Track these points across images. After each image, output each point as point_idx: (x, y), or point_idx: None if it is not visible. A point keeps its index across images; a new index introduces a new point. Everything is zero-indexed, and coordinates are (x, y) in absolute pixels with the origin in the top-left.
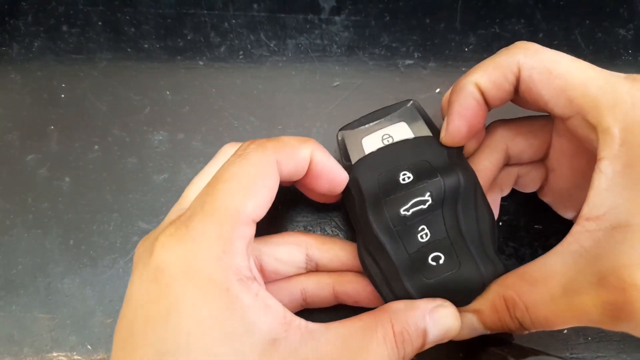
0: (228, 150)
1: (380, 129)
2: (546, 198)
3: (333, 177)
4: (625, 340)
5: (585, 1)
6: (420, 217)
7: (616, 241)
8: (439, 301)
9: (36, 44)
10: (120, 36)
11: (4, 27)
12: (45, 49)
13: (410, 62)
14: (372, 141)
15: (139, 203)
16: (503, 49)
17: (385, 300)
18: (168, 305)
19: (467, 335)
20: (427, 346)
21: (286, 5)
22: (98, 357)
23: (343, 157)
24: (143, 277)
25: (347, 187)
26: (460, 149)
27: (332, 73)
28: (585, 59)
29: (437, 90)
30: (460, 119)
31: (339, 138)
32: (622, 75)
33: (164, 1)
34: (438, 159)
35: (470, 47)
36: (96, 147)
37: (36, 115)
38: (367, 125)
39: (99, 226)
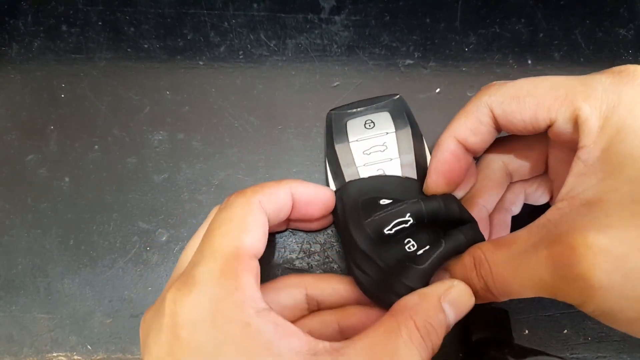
0: (214, 212)
1: (365, 114)
2: None
3: (319, 198)
4: (625, 340)
5: (585, 1)
6: (404, 233)
7: (580, 213)
8: (447, 282)
9: (36, 43)
10: (120, 36)
11: (4, 27)
12: (45, 48)
13: (411, 61)
14: (355, 124)
15: (139, 203)
16: (473, 97)
17: (389, 306)
18: (193, 356)
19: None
20: (449, 329)
21: (286, 5)
22: (98, 357)
23: (327, 134)
24: (161, 340)
25: (335, 209)
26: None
27: (332, 73)
28: (585, 59)
29: (437, 90)
30: (438, 175)
31: (327, 118)
32: (585, 75)
33: (164, 1)
34: (417, 192)
35: (471, 46)
36: (96, 147)
37: (36, 115)
38: (354, 110)
39: (99, 226)
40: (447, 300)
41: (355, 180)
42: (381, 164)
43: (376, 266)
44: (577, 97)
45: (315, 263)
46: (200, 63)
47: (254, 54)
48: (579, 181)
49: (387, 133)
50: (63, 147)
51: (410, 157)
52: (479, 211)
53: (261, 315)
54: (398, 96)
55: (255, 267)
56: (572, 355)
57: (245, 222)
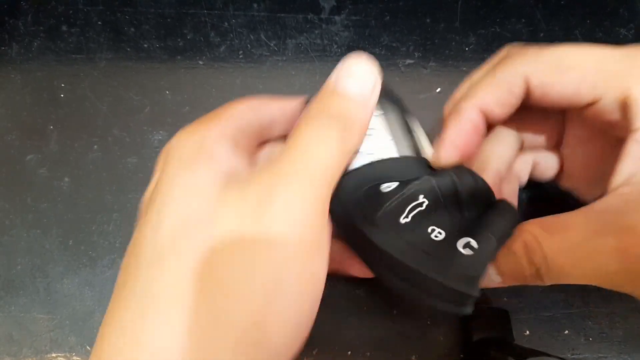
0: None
1: None
2: (565, 184)
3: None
4: (626, 340)
5: (585, 1)
6: (422, 217)
7: None
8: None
9: (36, 43)
10: (120, 36)
11: (4, 27)
12: (45, 48)
13: (411, 61)
14: None
15: (139, 203)
16: (497, 60)
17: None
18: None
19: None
20: (367, 97)
21: (286, 5)
22: None
23: None
24: None
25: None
26: None
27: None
28: None
29: (438, 90)
30: (454, 147)
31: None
32: (628, 47)
33: (164, 1)
34: (423, 170)
35: (471, 46)
36: (96, 147)
37: (36, 115)
38: None
39: (99, 226)
40: (340, 78)
41: (348, 172)
42: (374, 151)
43: (408, 269)
44: (628, 75)
45: None
46: (201, 63)
47: (254, 54)
48: (637, 165)
49: (375, 116)
50: (63, 147)
51: (405, 139)
52: (493, 177)
53: (222, 137)
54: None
55: (241, 117)
56: (572, 356)
57: (234, 104)
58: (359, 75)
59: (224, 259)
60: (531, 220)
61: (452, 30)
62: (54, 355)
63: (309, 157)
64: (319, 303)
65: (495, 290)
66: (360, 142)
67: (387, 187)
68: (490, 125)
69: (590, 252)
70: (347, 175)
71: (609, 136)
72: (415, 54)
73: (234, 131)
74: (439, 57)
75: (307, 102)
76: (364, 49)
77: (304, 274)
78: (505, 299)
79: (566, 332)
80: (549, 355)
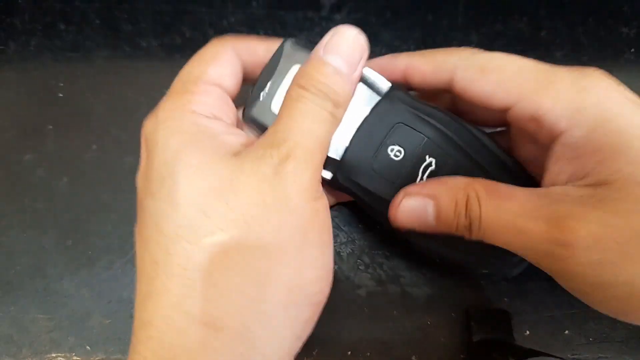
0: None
1: (280, 86)
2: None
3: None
4: (627, 341)
5: None
6: (435, 175)
7: (585, 195)
8: (328, 35)
9: (33, 42)
10: (118, 34)
11: (1, 25)
12: (42, 47)
13: None
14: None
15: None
16: (446, 48)
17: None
18: (157, 155)
19: (411, 221)
20: (352, 75)
21: (285, 3)
22: (97, 358)
23: (259, 130)
24: (141, 160)
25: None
26: (405, 90)
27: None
28: (588, 57)
29: None
30: (376, 62)
31: (249, 117)
32: (555, 65)
33: None
34: (406, 114)
35: (473, 45)
36: (94, 146)
37: (33, 114)
38: (267, 90)
39: (97, 226)
40: (327, 50)
41: (346, 152)
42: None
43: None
44: (542, 89)
45: None
46: None
47: None
48: (576, 165)
49: None
50: (60, 147)
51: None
52: None
53: (212, 121)
54: (287, 41)
55: (217, 93)
56: (573, 356)
57: (210, 57)
58: (346, 52)
59: (255, 225)
60: (480, 180)
61: (454, 28)
62: (53, 355)
63: (307, 134)
64: (332, 248)
65: (496, 290)
66: (343, 113)
67: (396, 155)
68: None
69: (521, 227)
70: (348, 154)
71: (536, 137)
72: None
73: (217, 101)
74: None
75: (282, 45)
76: None
77: (319, 228)
78: (506, 299)
79: (567, 332)
80: (549, 356)
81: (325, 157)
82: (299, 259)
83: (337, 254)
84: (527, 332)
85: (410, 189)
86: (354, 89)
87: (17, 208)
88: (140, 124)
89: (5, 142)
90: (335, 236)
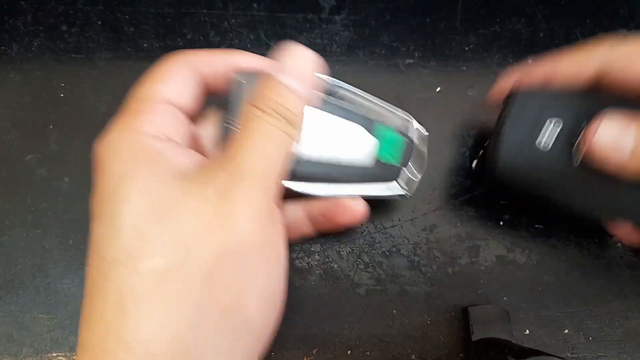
0: None
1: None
2: None
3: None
4: (626, 339)
5: (586, 1)
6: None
7: None
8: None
9: (35, 43)
10: (120, 36)
11: (4, 27)
12: (45, 48)
13: (411, 61)
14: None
15: None
16: (587, 45)
17: None
18: (98, 175)
19: (605, 154)
20: (305, 90)
21: (286, 5)
22: None
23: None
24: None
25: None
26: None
27: (332, 73)
28: None
29: (438, 89)
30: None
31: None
32: None
33: (164, 0)
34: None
35: (471, 46)
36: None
37: (35, 115)
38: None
39: None
40: (280, 71)
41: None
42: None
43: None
44: None
45: (315, 263)
46: None
47: (254, 54)
48: None
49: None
50: (63, 147)
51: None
52: None
53: (158, 140)
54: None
55: (168, 111)
56: (572, 355)
57: (162, 75)
58: (297, 69)
59: (195, 250)
60: None
61: (452, 30)
62: (54, 354)
63: (260, 155)
64: (285, 278)
65: (495, 289)
66: (300, 132)
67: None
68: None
69: None
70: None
71: None
72: (416, 53)
73: (169, 120)
74: (439, 56)
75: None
76: (364, 48)
77: (268, 256)
78: (505, 298)
79: (566, 331)
80: (548, 355)
81: (280, 179)
82: (239, 288)
83: (337, 253)
84: (527, 331)
85: (609, 113)
86: (304, 107)
87: (19, 208)
88: None
89: (8, 142)
90: (335, 236)
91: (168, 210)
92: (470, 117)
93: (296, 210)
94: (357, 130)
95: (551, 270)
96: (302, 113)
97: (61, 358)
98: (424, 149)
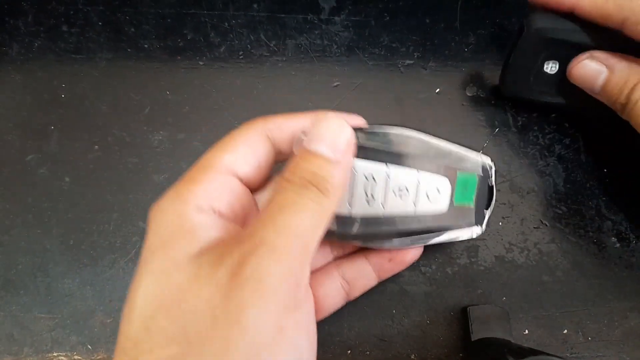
0: None
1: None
2: None
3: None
4: (625, 339)
5: None
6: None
7: None
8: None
9: (36, 44)
10: (121, 36)
11: (4, 27)
12: (46, 48)
13: (410, 62)
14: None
15: (139, 203)
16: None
17: None
18: (144, 244)
19: (582, 77)
20: (343, 162)
21: (286, 6)
22: (98, 357)
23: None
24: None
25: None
26: None
27: (332, 73)
28: None
29: (437, 90)
30: None
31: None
32: None
33: (164, 1)
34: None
35: (470, 47)
36: (96, 147)
37: (36, 115)
38: None
39: (99, 226)
40: (311, 140)
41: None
42: None
43: None
44: None
45: None
46: (201, 63)
47: (254, 55)
48: None
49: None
50: (63, 147)
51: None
52: None
53: (200, 212)
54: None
55: (225, 181)
56: (572, 355)
57: (231, 143)
58: (330, 137)
59: (197, 346)
60: None
61: (451, 30)
62: (55, 354)
63: (282, 229)
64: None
65: (494, 289)
66: (339, 202)
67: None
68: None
69: None
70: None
71: None
72: (415, 54)
73: (222, 191)
74: (439, 57)
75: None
76: (363, 49)
77: (284, 354)
78: (504, 298)
79: (565, 331)
80: (547, 355)
81: (310, 256)
82: None
83: None
84: (526, 331)
85: (596, 53)
86: (345, 176)
87: (20, 208)
88: (142, 125)
89: (9, 142)
90: None
91: (175, 297)
92: (469, 118)
93: (357, 267)
94: (432, 180)
95: (550, 270)
96: (339, 181)
97: (62, 358)
98: (493, 183)
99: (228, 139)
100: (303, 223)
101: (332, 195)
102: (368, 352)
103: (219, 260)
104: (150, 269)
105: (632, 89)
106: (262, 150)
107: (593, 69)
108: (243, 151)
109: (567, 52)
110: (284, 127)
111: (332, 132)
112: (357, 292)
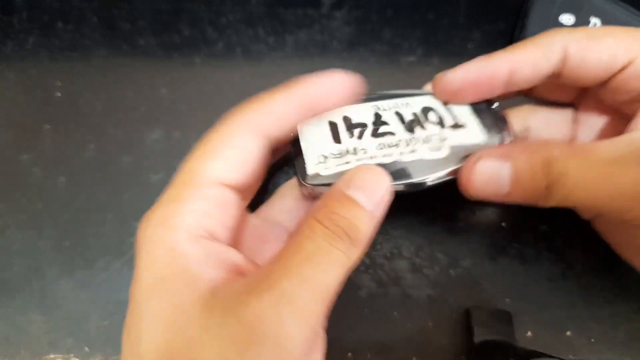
0: None
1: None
2: None
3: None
4: (629, 342)
5: None
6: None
7: None
8: (350, 171)
9: (30, 40)
10: (116, 32)
11: None
12: (40, 45)
13: (413, 58)
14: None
15: (135, 203)
16: (537, 36)
17: None
18: (134, 276)
19: (484, 187)
20: (377, 217)
21: (285, 0)
22: None
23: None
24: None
25: None
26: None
27: (332, 69)
28: None
29: None
30: (460, 77)
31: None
32: None
33: None
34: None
35: (475, 43)
36: (91, 146)
37: (30, 113)
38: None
39: (94, 227)
40: (350, 185)
41: None
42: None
43: None
44: None
45: None
46: (197, 60)
47: (252, 51)
48: None
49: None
50: (58, 146)
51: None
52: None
53: (193, 241)
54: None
55: (214, 196)
56: (575, 357)
57: (213, 147)
58: (370, 187)
59: None
60: (558, 140)
61: (455, 26)
62: (51, 356)
63: (307, 281)
64: None
65: (497, 291)
66: (362, 255)
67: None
68: (509, 94)
69: (610, 174)
70: None
71: (623, 123)
72: (418, 50)
73: (212, 207)
74: (442, 53)
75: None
76: (365, 45)
77: None
78: (507, 300)
79: (568, 333)
80: (551, 357)
81: (326, 311)
82: None
83: None
84: (529, 333)
85: (482, 152)
86: (374, 229)
87: (13, 208)
88: (138, 123)
89: (2, 141)
90: None
91: (185, 349)
92: None
93: None
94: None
95: (553, 271)
96: (368, 235)
97: (59, 359)
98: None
99: (209, 142)
100: (329, 277)
101: (361, 247)
102: (369, 356)
103: (232, 309)
104: (154, 315)
105: (548, 163)
106: (250, 148)
107: (491, 170)
108: (229, 155)
109: None
110: (270, 113)
111: (372, 181)
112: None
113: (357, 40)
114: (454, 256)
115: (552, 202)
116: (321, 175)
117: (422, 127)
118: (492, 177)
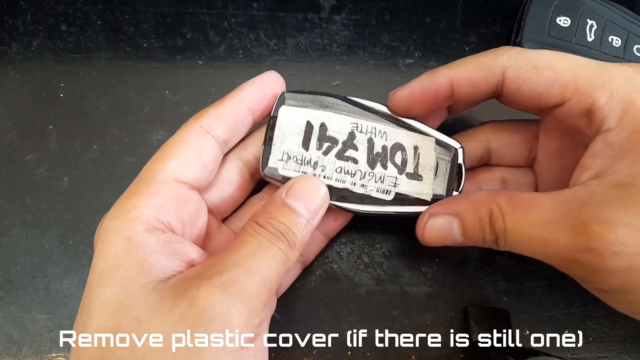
0: None
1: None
2: None
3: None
4: (626, 340)
5: None
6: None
7: (611, 195)
8: (291, 180)
9: (35, 43)
10: (120, 35)
11: (3, 27)
12: (44, 48)
13: (411, 61)
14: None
15: None
16: (487, 51)
17: None
18: (92, 266)
19: (438, 240)
20: (312, 224)
21: (286, 4)
22: None
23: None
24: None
25: None
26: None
27: (332, 72)
28: None
29: None
30: (406, 96)
31: (266, 174)
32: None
33: (163, 0)
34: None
35: (472, 46)
36: (95, 146)
37: (35, 114)
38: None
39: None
40: (290, 194)
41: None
42: None
43: None
44: (596, 83)
45: (315, 263)
46: (200, 62)
47: (253, 54)
48: (608, 163)
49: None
50: (62, 147)
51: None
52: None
53: (150, 232)
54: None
55: (171, 191)
56: (573, 356)
57: (171, 149)
58: (308, 198)
59: None
60: (502, 192)
61: (453, 29)
62: (54, 355)
63: (252, 272)
64: None
65: (495, 290)
66: (298, 255)
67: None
68: (449, 105)
69: (547, 237)
70: None
71: (582, 146)
72: (416, 53)
73: (169, 201)
74: (440, 56)
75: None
76: (364, 48)
77: None
78: (505, 298)
79: (566, 331)
80: (548, 355)
81: (268, 300)
82: None
83: (337, 254)
84: (527, 332)
85: (434, 208)
86: (310, 234)
87: (18, 208)
88: (141, 125)
89: (7, 142)
90: (335, 236)
91: (135, 330)
92: (470, 117)
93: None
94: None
95: (551, 270)
96: (304, 240)
97: (60, 358)
98: (461, 162)
99: (167, 145)
100: (271, 270)
101: (298, 250)
102: (368, 354)
103: (184, 293)
104: (104, 299)
105: (491, 219)
106: (204, 148)
107: (442, 225)
108: (185, 155)
109: None
110: (219, 117)
111: (310, 192)
112: (312, 256)
113: (356, 43)
114: (452, 255)
115: (502, 249)
116: (277, 173)
117: (384, 166)
118: (442, 231)
